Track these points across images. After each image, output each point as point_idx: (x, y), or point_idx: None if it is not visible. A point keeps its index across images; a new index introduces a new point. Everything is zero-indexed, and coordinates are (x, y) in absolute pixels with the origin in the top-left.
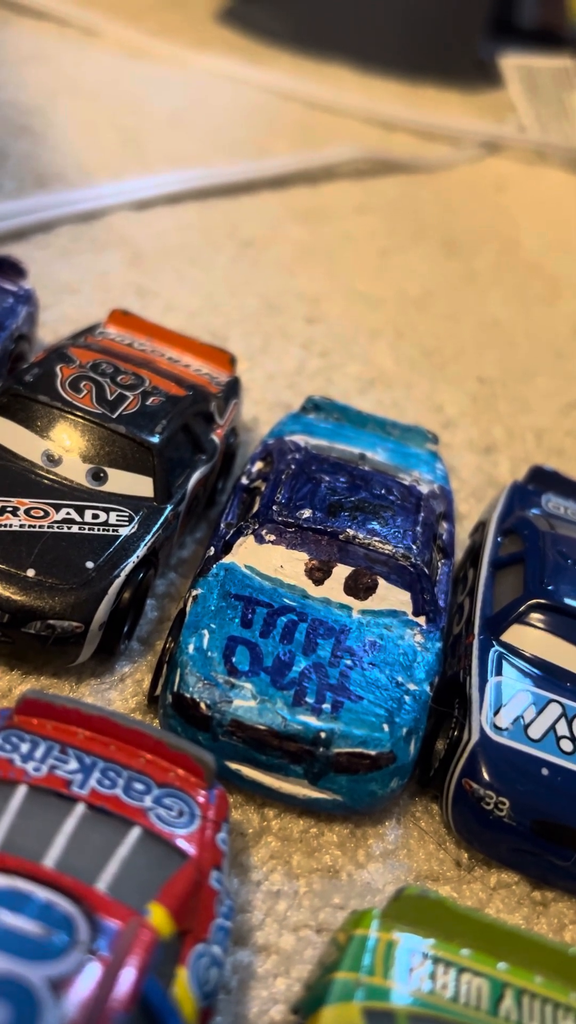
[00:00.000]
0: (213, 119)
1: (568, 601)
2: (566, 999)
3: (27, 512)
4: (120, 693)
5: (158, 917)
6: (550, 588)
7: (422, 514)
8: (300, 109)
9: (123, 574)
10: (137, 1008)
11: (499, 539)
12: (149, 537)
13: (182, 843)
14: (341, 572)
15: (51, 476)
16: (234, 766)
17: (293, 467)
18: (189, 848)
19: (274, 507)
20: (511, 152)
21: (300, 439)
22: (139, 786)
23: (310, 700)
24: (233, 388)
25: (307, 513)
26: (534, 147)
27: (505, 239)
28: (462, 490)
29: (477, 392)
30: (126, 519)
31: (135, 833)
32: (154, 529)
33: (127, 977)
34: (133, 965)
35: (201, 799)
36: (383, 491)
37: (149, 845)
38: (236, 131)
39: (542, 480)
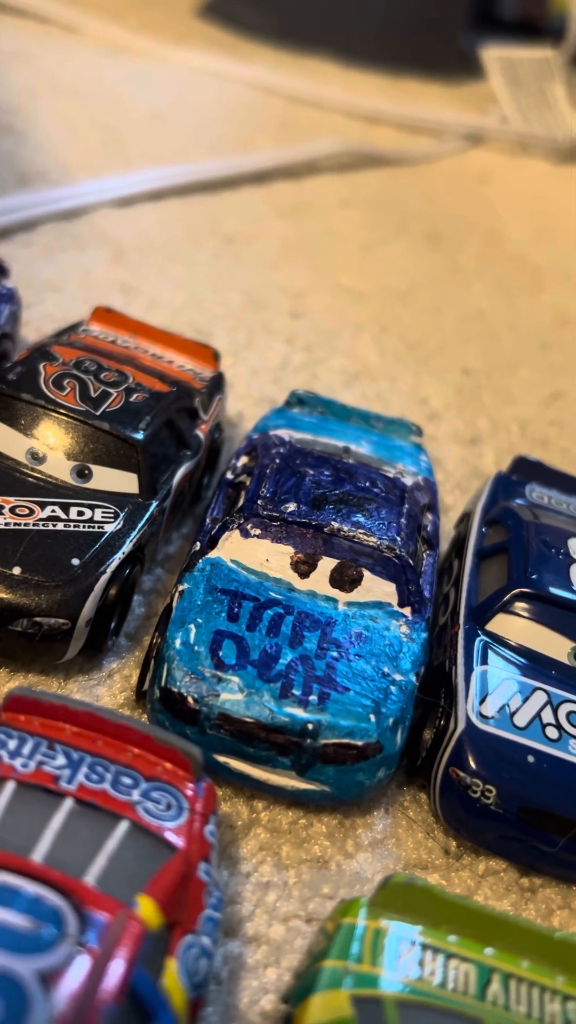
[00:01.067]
0: (195, 115)
1: (552, 590)
2: (552, 982)
3: (12, 510)
4: (108, 689)
5: (146, 909)
6: (534, 577)
7: (406, 506)
8: (282, 104)
9: (109, 570)
10: (126, 999)
11: (483, 529)
12: (135, 533)
13: (170, 836)
14: (326, 565)
15: (36, 474)
16: (222, 759)
17: (278, 461)
18: (177, 841)
19: (259, 501)
20: (494, 144)
21: (284, 433)
22: (127, 780)
23: (297, 692)
24: (217, 384)
25: (292, 507)
26: (516, 138)
27: (488, 231)
28: (447, 481)
29: (462, 384)
30: (111, 516)
31: (123, 827)
32: (139, 525)
33: (116, 969)
34: (122, 957)
35: (189, 792)
36: (367, 484)
37: (137, 838)
38: (218, 127)
39: (526, 470)
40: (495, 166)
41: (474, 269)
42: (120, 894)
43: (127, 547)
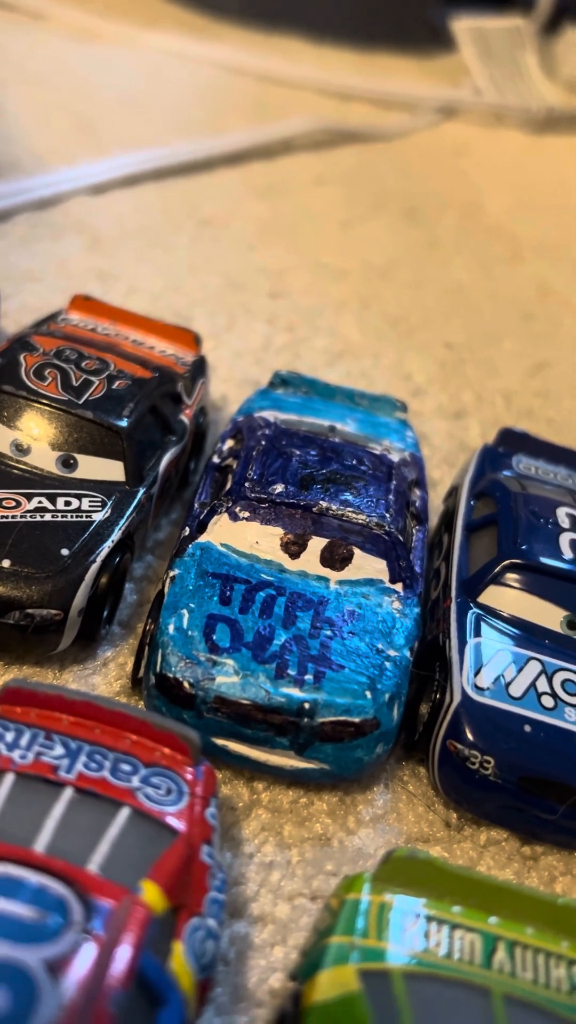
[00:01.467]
0: (166, 98)
1: (542, 559)
2: (557, 948)
3: None
4: (104, 677)
5: (151, 894)
6: (523, 548)
7: (394, 482)
8: (254, 84)
9: (99, 559)
10: (135, 984)
11: (472, 503)
12: (123, 521)
13: (171, 820)
14: (316, 544)
15: (21, 466)
16: (221, 742)
17: (263, 443)
18: (179, 825)
19: (246, 484)
20: (468, 116)
21: (269, 415)
22: (126, 767)
23: (292, 672)
24: (199, 367)
25: (279, 488)
26: (491, 109)
27: (466, 203)
28: (434, 456)
29: (445, 358)
30: (99, 504)
31: (124, 813)
32: (128, 513)
33: (123, 954)
34: (128, 942)
35: (188, 776)
36: (354, 462)
37: (139, 824)
38: (190, 109)
39: (512, 442)
40: (470, 138)
41: (453, 243)
42: (124, 880)
43: (116, 535)
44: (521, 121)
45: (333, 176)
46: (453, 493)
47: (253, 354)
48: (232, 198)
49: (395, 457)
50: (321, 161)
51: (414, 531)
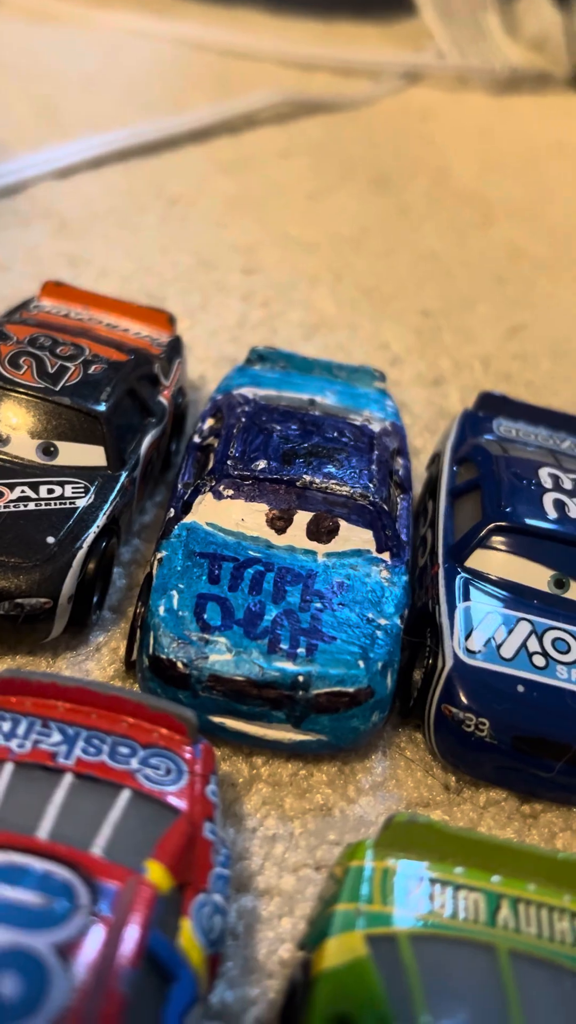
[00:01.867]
0: (127, 78)
1: (527, 520)
2: (560, 902)
3: None
4: (97, 663)
5: (155, 873)
6: (508, 510)
7: (376, 452)
8: (215, 58)
9: (85, 545)
10: (144, 963)
11: (455, 468)
12: (107, 506)
13: (172, 800)
14: (302, 518)
15: (1, 456)
16: (218, 719)
17: (243, 420)
18: (180, 804)
19: (228, 462)
20: (432, 80)
21: (248, 391)
22: (124, 750)
23: (284, 646)
24: (175, 348)
25: (262, 464)
26: (454, 73)
27: (434, 169)
28: (415, 425)
29: (421, 326)
30: (82, 490)
31: (125, 796)
32: (111, 497)
33: (131, 934)
34: (136, 922)
35: (187, 755)
36: (335, 434)
37: (140, 805)
38: (152, 88)
39: (492, 406)
40: (435, 103)
41: (423, 209)
42: (128, 861)
43: (101, 520)
44: (485, 83)
45: (299, 148)
46: (436, 460)
47: (229, 331)
48: (199, 175)
49: (376, 427)
50: (286, 133)
51: (399, 500)
